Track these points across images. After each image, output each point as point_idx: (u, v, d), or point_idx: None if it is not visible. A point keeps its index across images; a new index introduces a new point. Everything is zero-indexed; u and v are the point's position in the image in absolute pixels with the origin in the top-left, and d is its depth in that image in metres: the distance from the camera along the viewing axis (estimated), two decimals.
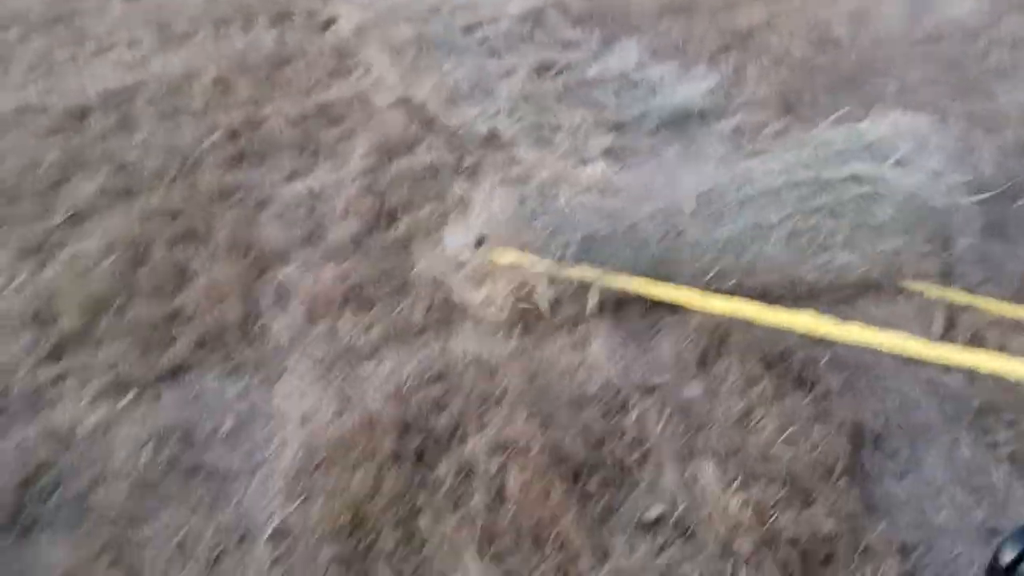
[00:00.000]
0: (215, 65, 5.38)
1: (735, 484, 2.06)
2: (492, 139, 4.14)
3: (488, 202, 2.99)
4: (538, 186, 3.01)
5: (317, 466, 2.27)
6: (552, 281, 2.68)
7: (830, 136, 3.04)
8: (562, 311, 2.71)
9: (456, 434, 2.34)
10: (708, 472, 2.13)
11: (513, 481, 2.12)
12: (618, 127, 4.16)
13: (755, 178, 2.88)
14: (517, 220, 2.78)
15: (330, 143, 4.28)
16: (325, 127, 4.46)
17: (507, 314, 2.71)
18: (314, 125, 4.47)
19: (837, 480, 2.09)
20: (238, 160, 4.18)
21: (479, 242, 2.88)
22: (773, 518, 1.97)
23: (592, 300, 2.67)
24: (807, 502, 2.04)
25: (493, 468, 2.20)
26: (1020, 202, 3.22)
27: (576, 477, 2.17)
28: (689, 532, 2.03)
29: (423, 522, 2.08)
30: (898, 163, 2.81)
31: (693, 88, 4.47)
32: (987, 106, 4.00)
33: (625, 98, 4.48)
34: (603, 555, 1.98)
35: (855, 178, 2.77)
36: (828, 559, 1.93)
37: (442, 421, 2.38)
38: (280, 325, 2.87)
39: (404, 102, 4.55)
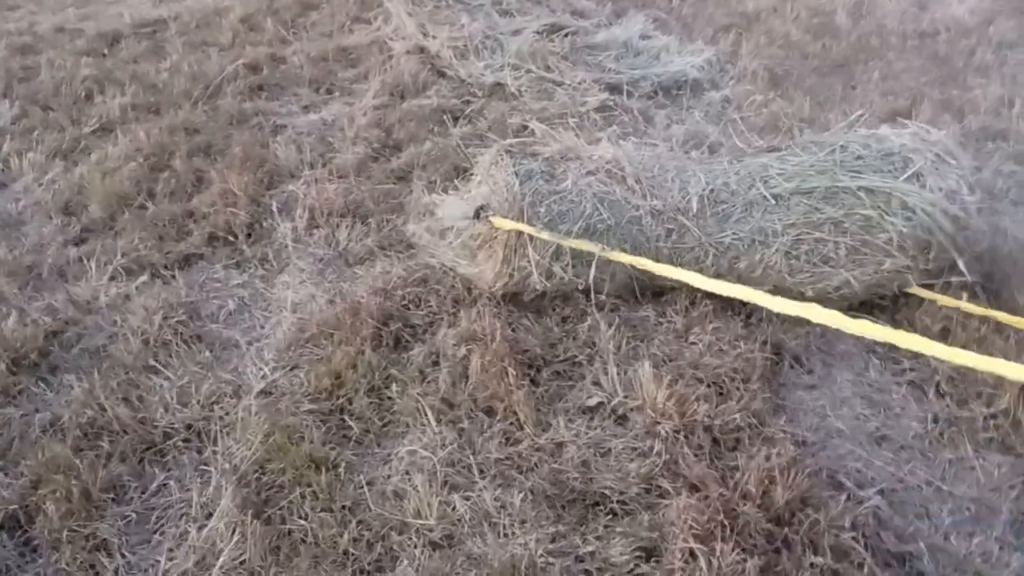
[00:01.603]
0: (244, 5, 5.68)
1: (666, 382, 2.36)
2: (497, 89, 4.43)
3: (493, 169, 2.87)
4: (546, 161, 2.85)
5: (306, 341, 2.59)
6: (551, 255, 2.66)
7: (849, 140, 2.85)
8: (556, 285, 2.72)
9: (431, 326, 2.66)
10: (645, 372, 2.43)
11: (474, 363, 2.43)
12: (615, 88, 4.45)
13: (766, 179, 2.75)
14: (521, 198, 2.69)
15: (346, 82, 4.59)
16: (343, 68, 4.76)
17: (500, 288, 2.72)
18: (333, 65, 4.77)
19: (753, 385, 2.39)
20: (258, 90, 4.49)
21: (478, 213, 2.80)
22: (692, 409, 2.28)
23: (591, 273, 2.64)
24: (723, 399, 2.34)
25: (459, 354, 2.51)
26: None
27: (530, 366, 2.48)
28: (621, 416, 2.35)
29: (393, 390, 2.40)
30: (914, 177, 2.65)
31: (690, 60, 4.74)
32: (962, 96, 4.27)
33: (625, 63, 4.76)
34: (545, 427, 2.29)
35: (867, 191, 2.62)
36: (734, 444, 2.24)
37: (419, 315, 2.69)
38: (284, 228, 3.18)
39: (419, 50, 4.83)
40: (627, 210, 2.70)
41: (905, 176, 2.64)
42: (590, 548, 1.97)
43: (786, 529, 1.99)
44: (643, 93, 4.47)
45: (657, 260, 2.64)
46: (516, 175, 2.75)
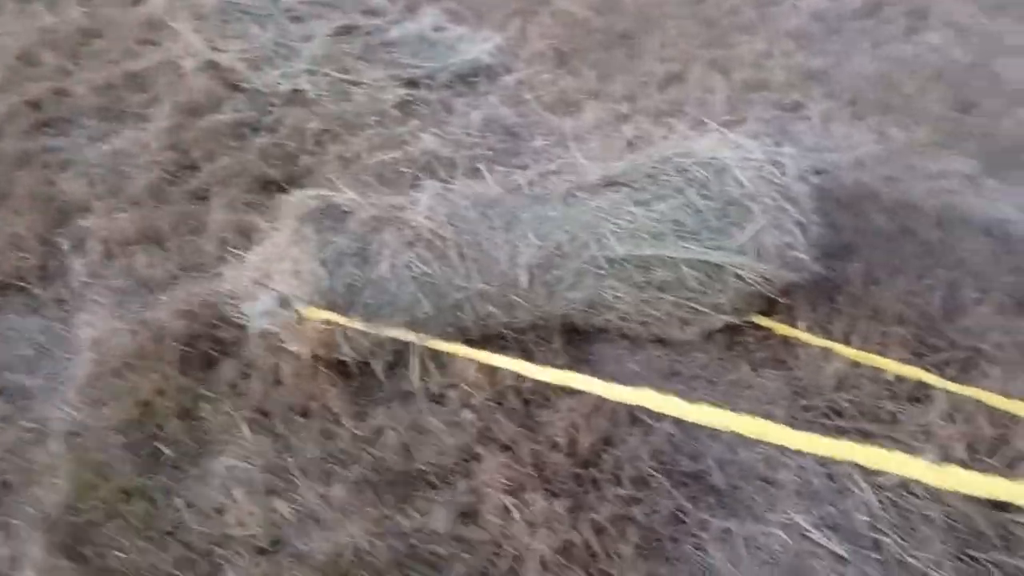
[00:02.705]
0: (18, 40, 5.35)
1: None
2: (295, 96, 4.42)
3: (295, 249, 2.52)
4: (356, 234, 2.53)
5: (110, 375, 2.53)
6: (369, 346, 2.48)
7: (689, 177, 2.65)
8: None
9: (239, 340, 2.65)
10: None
11: (285, 369, 2.46)
12: (412, 83, 4.53)
13: (600, 237, 2.56)
14: (331, 292, 2.43)
15: (136, 107, 4.42)
16: (132, 93, 4.58)
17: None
18: (121, 92, 4.58)
19: (555, 345, 2.55)
20: (43, 127, 4.26)
21: (284, 303, 2.46)
22: (502, 377, 2.40)
23: (414, 369, 2.48)
24: (529, 361, 2.48)
25: (270, 362, 2.52)
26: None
27: (343, 365, 2.53)
28: (438, 395, 2.43)
29: (204, 410, 2.39)
30: (752, 236, 2.52)
31: (483, 47, 4.89)
32: (727, 54, 4.62)
33: (421, 57, 4.85)
34: (362, 417, 2.36)
35: (704, 264, 2.53)
36: (543, 401, 2.38)
37: (227, 330, 2.68)
38: (79, 266, 3.06)
39: (211, 66, 4.73)
40: (451, 293, 2.51)
41: (742, 240, 2.53)
42: (413, 523, 2.05)
43: (591, 469, 2.15)
44: (441, 84, 4.58)
45: (487, 339, 2.56)
46: (324, 264, 2.46)
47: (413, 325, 2.50)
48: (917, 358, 2.42)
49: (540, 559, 1.92)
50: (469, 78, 4.69)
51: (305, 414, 2.37)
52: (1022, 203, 3.09)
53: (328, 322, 2.39)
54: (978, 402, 2.27)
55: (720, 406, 2.30)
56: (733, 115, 3.91)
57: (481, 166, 3.36)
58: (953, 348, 2.48)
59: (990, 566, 1.99)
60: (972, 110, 3.87)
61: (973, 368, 2.46)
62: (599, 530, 1.98)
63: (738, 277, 2.54)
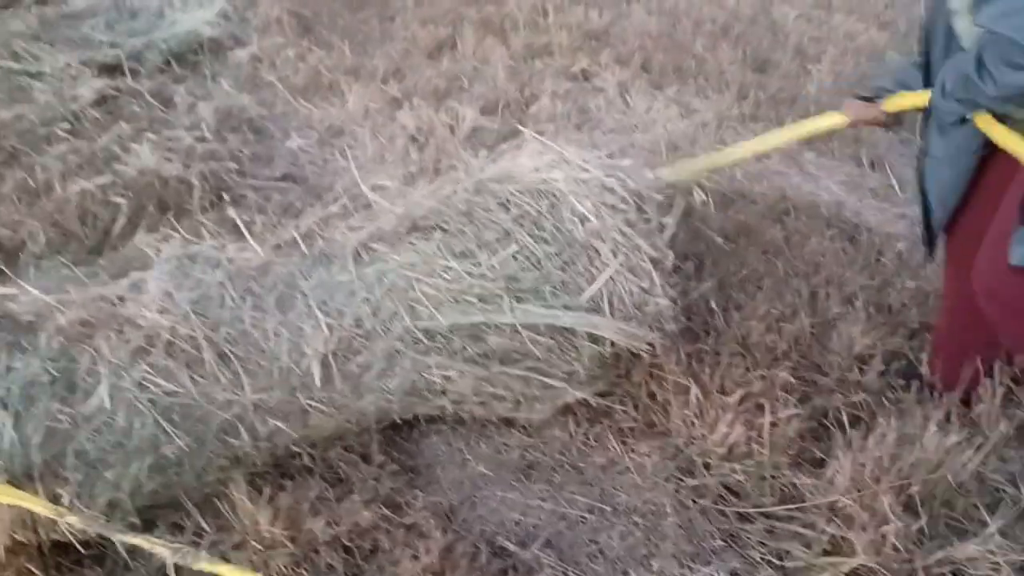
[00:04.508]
0: None
1: (266, 498, 1.77)
2: None
3: None
4: (53, 351, 1.71)
5: None
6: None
7: (523, 214, 2.01)
8: None
9: None
10: (238, 491, 1.80)
11: None
12: (113, 68, 3.51)
13: (414, 304, 1.93)
14: (22, 447, 1.62)
15: None
16: None
17: None
18: None
19: (376, 459, 1.91)
20: None
21: None
22: (309, 525, 1.73)
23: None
24: (345, 491, 1.83)
25: None
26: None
27: (66, 551, 1.71)
28: (222, 558, 1.71)
29: None
30: (602, 285, 1.98)
31: (201, 14, 3.94)
32: (499, 12, 4.04)
33: (120, 31, 3.81)
34: None
35: (550, 328, 1.96)
36: (372, 547, 1.74)
37: None
38: None
39: None
40: (214, 413, 1.77)
41: (592, 292, 1.96)
42: None
43: None
44: (152, 67, 3.60)
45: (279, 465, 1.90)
46: (5, 406, 1.63)
47: (166, 469, 1.75)
48: (804, 403, 2.06)
49: None
50: (189, 56, 3.74)
51: None
52: (845, 180, 2.84)
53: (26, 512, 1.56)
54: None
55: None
56: (524, 91, 3.36)
57: (228, 196, 2.56)
58: (840, 387, 2.13)
59: None
60: (768, 70, 3.61)
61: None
62: None
63: (592, 339, 1.99)
